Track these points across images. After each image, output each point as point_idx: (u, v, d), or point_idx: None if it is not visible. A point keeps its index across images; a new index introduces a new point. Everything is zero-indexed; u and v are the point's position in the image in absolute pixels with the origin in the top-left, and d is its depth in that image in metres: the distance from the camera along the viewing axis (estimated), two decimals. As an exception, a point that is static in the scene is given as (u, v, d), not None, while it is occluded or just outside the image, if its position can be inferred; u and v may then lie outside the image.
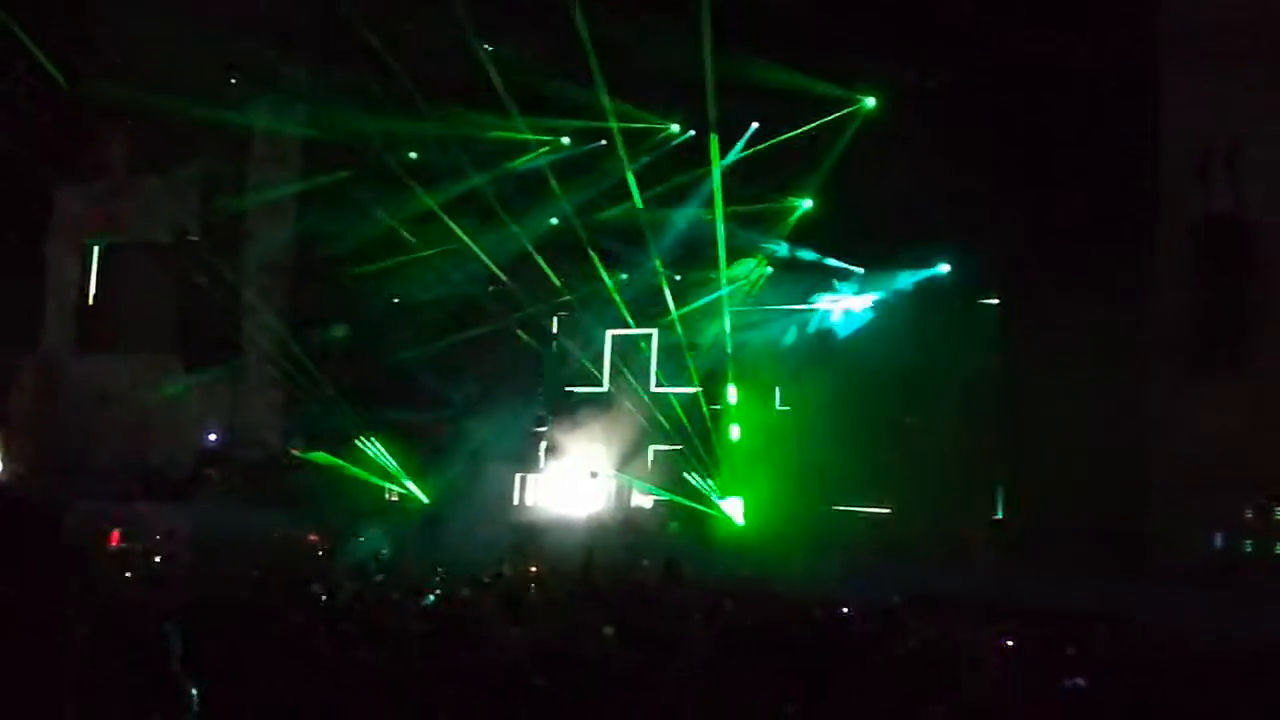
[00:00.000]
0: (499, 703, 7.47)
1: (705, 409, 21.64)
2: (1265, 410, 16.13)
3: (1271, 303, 16.48)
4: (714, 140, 19.68)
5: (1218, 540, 16.66)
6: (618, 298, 22.03)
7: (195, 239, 24.26)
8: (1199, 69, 17.20)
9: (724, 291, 21.18)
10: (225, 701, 6.73)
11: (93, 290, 28.26)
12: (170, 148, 24.44)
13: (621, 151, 20.35)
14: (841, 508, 20.47)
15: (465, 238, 21.60)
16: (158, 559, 14.42)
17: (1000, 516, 19.39)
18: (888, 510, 19.88)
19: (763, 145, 20.44)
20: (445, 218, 21.50)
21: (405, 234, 22.21)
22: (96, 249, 28.21)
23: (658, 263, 21.27)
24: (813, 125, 19.70)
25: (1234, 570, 16.17)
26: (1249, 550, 16.52)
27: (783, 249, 21.24)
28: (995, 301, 19.54)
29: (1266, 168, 16.61)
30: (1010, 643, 11.07)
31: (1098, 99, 16.97)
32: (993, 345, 19.38)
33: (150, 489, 23.88)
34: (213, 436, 25.92)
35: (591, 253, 21.49)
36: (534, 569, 15.41)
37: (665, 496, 22.21)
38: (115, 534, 16.42)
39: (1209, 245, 16.90)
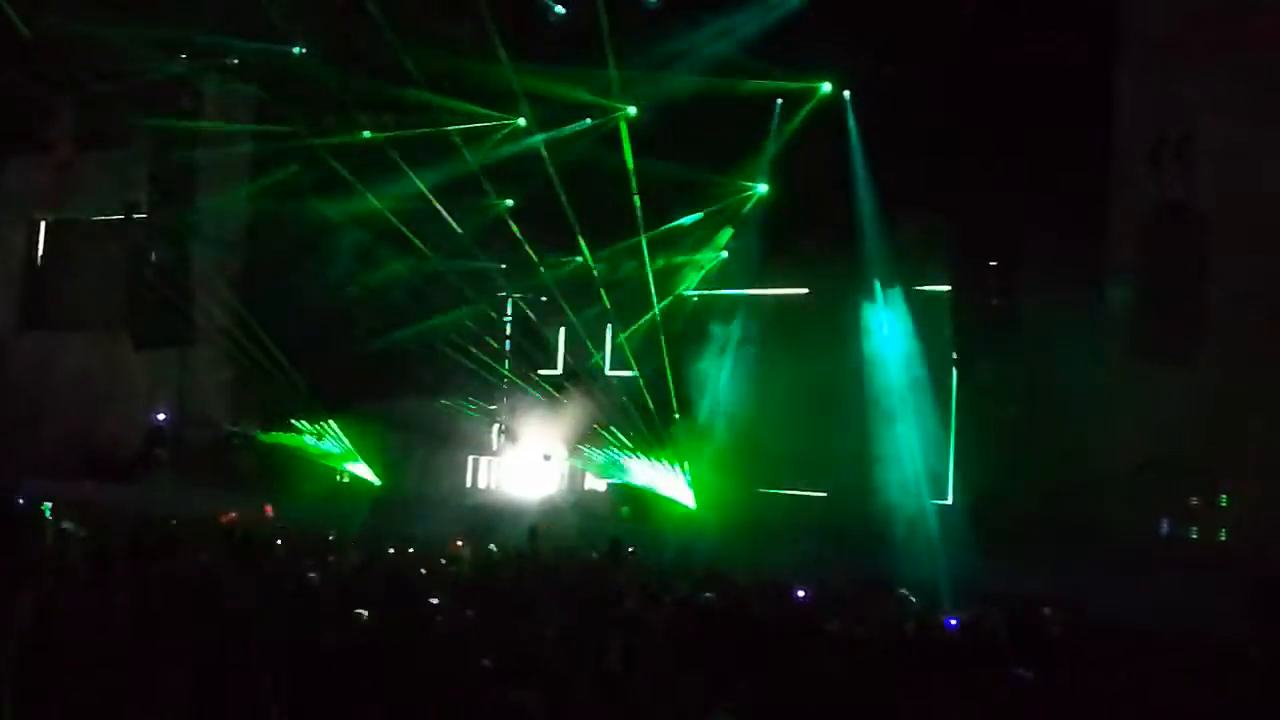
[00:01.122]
0: (448, 686, 7.44)
1: (657, 393, 21.63)
2: (1213, 399, 16.31)
3: (1220, 292, 16.64)
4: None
5: (1163, 527, 16.87)
6: (543, 280, 22.03)
7: (144, 215, 23.89)
8: (1152, 60, 17.37)
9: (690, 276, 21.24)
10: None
11: (40, 266, 27.89)
12: (120, 122, 24.13)
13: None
14: (791, 491, 20.59)
15: (412, 221, 21.44)
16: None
17: (950, 502, 19.52)
18: (838, 495, 19.91)
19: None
20: (376, 204, 21.32)
21: (359, 212, 21.96)
22: (44, 224, 27.84)
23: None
24: (764, 105, 19.67)
25: (1179, 556, 16.37)
26: (1194, 537, 16.73)
27: (735, 234, 21.27)
28: (946, 289, 19.61)
29: (1217, 159, 16.76)
30: (959, 625, 11.20)
31: (1050, 89, 17.03)
32: (944, 332, 19.46)
33: (97, 469, 23.64)
34: (162, 416, 25.62)
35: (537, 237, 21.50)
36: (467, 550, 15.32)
37: (617, 479, 22.22)
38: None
39: (1159, 235, 17.04)
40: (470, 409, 23.77)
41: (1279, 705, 8.61)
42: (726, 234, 21.39)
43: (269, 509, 18.61)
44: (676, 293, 21.99)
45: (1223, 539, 16.63)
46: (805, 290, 21.35)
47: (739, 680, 7.94)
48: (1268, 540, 15.64)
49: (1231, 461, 16.32)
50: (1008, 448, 18.56)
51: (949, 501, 19.57)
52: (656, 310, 21.33)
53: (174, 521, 16.77)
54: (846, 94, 19.58)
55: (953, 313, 19.31)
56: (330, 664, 7.63)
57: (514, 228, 21.35)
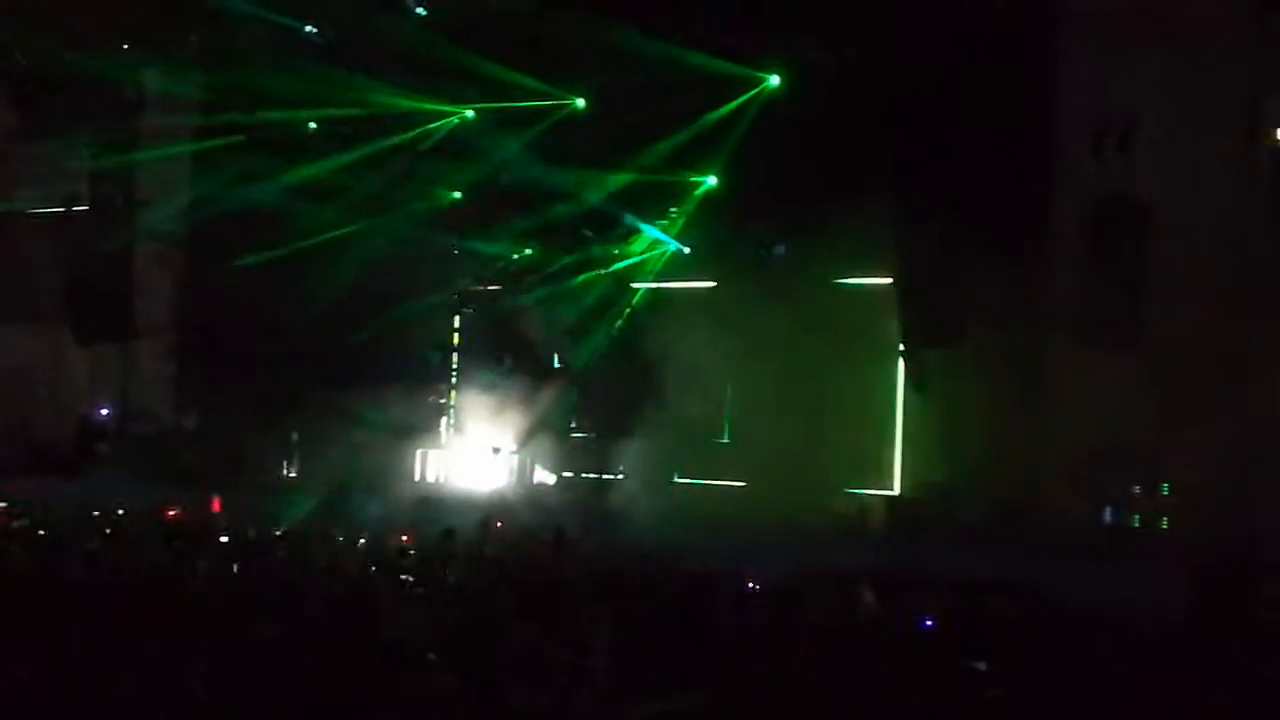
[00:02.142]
0: (397, 678, 7.39)
1: (605, 385, 21.67)
2: (1154, 388, 16.49)
3: (1162, 280, 16.84)
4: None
5: (1106, 514, 17.06)
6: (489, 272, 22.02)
7: (85, 207, 23.56)
8: (1096, 50, 17.51)
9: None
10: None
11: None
12: (60, 113, 23.76)
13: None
14: (737, 482, 20.65)
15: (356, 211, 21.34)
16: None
17: (897, 491, 19.66)
18: (785, 484, 19.96)
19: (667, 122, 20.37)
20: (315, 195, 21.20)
21: (303, 204, 21.75)
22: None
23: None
24: (711, 97, 19.69)
25: (1120, 542, 16.55)
26: (1135, 524, 16.93)
27: (683, 227, 21.30)
28: (890, 280, 19.71)
29: (1159, 148, 16.95)
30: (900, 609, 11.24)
31: (994, 78, 17.16)
32: (889, 320, 19.58)
33: (37, 464, 23.28)
34: (104, 411, 25.28)
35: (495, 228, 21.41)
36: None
37: (566, 472, 22.24)
38: None
39: (1102, 223, 17.23)
40: (419, 402, 23.68)
41: (1220, 690, 8.70)
42: (676, 226, 21.40)
43: (218, 503, 18.39)
44: (621, 283, 22.02)
45: (1164, 527, 16.82)
46: (752, 281, 21.36)
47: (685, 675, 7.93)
48: (1208, 528, 15.84)
49: (1172, 450, 16.50)
50: (952, 437, 18.72)
51: (895, 491, 19.71)
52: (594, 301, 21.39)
53: (119, 513, 16.54)
54: (791, 86, 19.59)
55: (898, 304, 19.43)
56: (265, 655, 7.57)
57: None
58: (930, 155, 17.90)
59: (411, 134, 20.95)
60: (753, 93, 19.63)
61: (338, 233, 21.55)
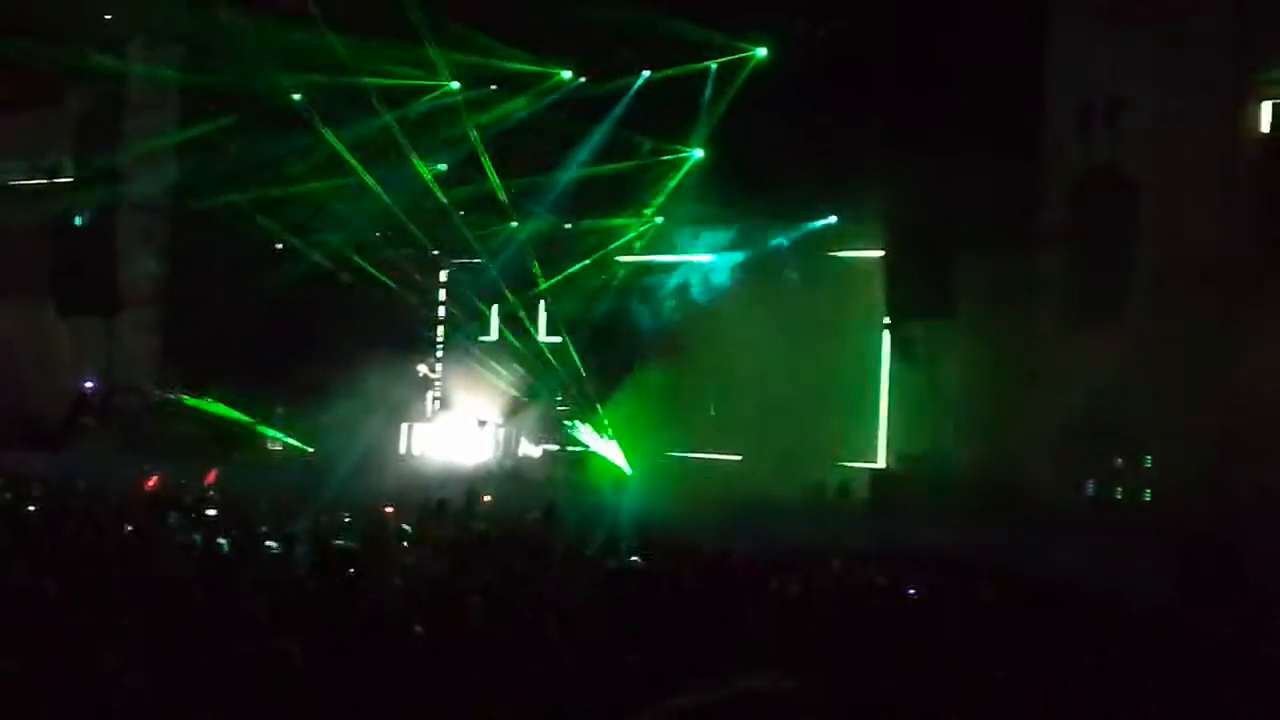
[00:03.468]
0: (378, 653, 7.39)
1: (590, 359, 21.67)
2: (1138, 361, 16.54)
3: (1149, 257, 16.87)
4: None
5: (1089, 488, 17.12)
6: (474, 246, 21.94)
7: (68, 179, 23.43)
8: (1085, 25, 17.48)
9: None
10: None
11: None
12: (43, 85, 23.62)
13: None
14: (719, 455, 20.69)
15: (347, 183, 21.22)
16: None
17: (883, 464, 19.72)
18: (768, 458, 19.98)
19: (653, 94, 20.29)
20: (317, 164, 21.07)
21: (290, 176, 21.65)
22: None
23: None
24: (698, 70, 19.60)
25: (1104, 517, 16.62)
26: (1119, 498, 17.00)
27: (669, 199, 21.25)
28: (880, 254, 19.72)
29: (1146, 124, 16.95)
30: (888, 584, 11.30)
31: (983, 53, 17.12)
32: (874, 293, 19.61)
33: (23, 437, 23.22)
34: (89, 384, 25.18)
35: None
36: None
37: (551, 445, 22.27)
38: None
39: (1089, 200, 17.24)
40: (405, 375, 23.65)
41: (1202, 666, 8.76)
42: (660, 199, 21.35)
43: (212, 475, 18.35)
44: (609, 258, 22.01)
45: (1147, 499, 16.90)
46: (741, 255, 21.35)
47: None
48: (1191, 501, 15.92)
49: (1156, 422, 16.56)
50: (938, 411, 18.80)
51: (881, 465, 19.77)
52: (581, 273, 21.37)
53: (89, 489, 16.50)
54: (778, 58, 19.52)
55: (885, 278, 19.45)
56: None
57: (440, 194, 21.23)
58: (917, 128, 17.88)
59: (399, 108, 20.81)
60: (739, 62, 19.59)
61: (322, 190, 21.46)
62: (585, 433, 21.56)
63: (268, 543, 11.68)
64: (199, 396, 23.00)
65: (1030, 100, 17.65)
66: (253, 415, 22.97)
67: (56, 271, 24.83)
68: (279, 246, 22.87)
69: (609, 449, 21.17)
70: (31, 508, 13.69)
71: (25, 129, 25.10)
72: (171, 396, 23.72)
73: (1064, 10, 17.77)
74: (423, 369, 24.38)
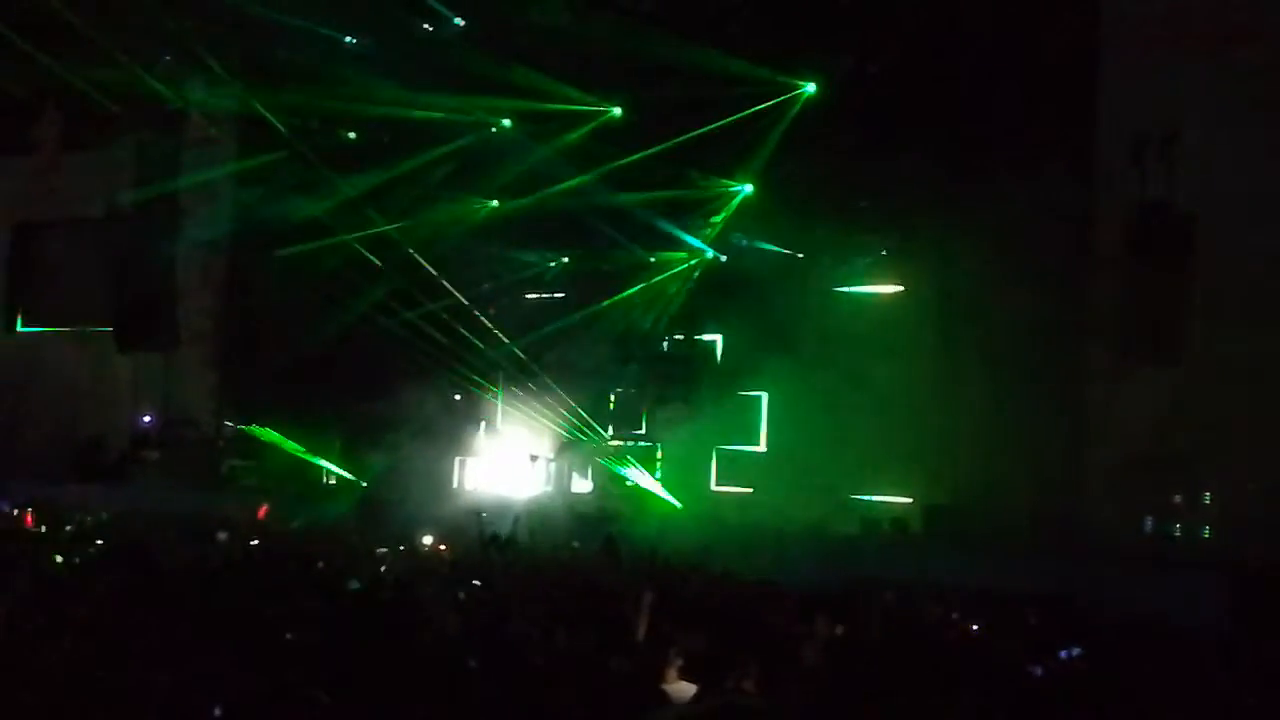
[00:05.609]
0: (436, 685, 7.42)
1: (642, 393, 21.73)
2: (1197, 395, 16.37)
3: (1203, 291, 16.71)
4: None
5: (1147, 524, 16.92)
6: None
7: (129, 216, 23.80)
8: (1138, 58, 17.40)
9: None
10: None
11: (24, 268, 27.76)
12: (103, 124, 24.02)
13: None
14: (772, 490, 20.64)
15: (401, 220, 21.45)
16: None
17: (937, 502, 19.56)
18: (819, 492, 19.88)
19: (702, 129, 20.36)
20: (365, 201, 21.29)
21: (344, 214, 21.89)
22: (28, 226, 27.69)
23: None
24: (751, 110, 19.63)
25: (1162, 553, 16.42)
26: (1177, 534, 16.79)
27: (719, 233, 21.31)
28: (932, 290, 19.66)
29: (1200, 158, 16.81)
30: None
31: (1036, 88, 17.09)
32: (928, 332, 19.53)
33: (82, 470, 23.56)
34: (147, 418, 25.52)
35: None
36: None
37: (605, 480, 22.30)
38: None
39: (1143, 234, 17.10)
40: (457, 409, 23.79)
41: (1262, 701, 8.64)
42: (713, 232, 21.40)
43: (264, 509, 18.56)
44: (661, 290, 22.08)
45: (1206, 536, 16.67)
46: (790, 289, 21.32)
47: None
48: (1251, 537, 15.69)
49: (1215, 458, 16.36)
50: (991, 445, 18.65)
51: (938, 502, 19.62)
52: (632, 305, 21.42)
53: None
54: (828, 93, 19.54)
55: (940, 311, 19.38)
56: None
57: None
58: (970, 162, 17.85)
59: (451, 145, 21.02)
60: (789, 100, 19.62)
61: (378, 231, 21.69)
62: (636, 468, 21.58)
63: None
64: (256, 431, 23.25)
65: (1084, 132, 17.57)
66: (308, 449, 23.17)
67: (116, 308, 25.19)
68: (336, 282, 23.07)
69: (659, 485, 21.18)
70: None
71: (88, 167, 25.56)
72: (229, 431, 24.01)
73: (1117, 41, 17.69)
74: (476, 403, 24.47)
